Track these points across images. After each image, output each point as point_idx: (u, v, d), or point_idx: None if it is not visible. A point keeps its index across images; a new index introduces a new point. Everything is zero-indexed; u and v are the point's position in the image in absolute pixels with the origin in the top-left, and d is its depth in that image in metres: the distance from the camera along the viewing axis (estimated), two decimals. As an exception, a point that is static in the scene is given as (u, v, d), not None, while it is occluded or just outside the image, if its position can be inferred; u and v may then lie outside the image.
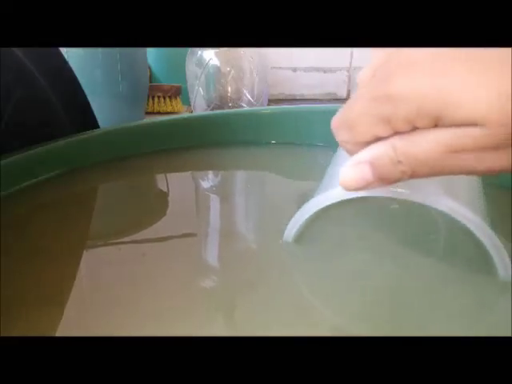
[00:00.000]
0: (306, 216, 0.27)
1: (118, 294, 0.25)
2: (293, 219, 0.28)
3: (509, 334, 0.21)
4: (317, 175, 0.29)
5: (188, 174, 0.45)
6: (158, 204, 0.38)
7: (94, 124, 0.54)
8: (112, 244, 0.31)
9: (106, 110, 0.82)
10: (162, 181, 0.44)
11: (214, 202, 0.38)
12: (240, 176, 0.46)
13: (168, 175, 0.44)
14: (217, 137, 0.49)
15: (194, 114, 1.01)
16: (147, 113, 1.20)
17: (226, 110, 0.55)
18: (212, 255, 0.30)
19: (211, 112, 0.95)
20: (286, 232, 0.28)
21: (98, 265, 0.28)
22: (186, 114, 1.02)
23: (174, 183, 0.43)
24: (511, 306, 0.22)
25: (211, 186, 0.42)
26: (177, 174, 0.45)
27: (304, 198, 0.27)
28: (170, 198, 0.39)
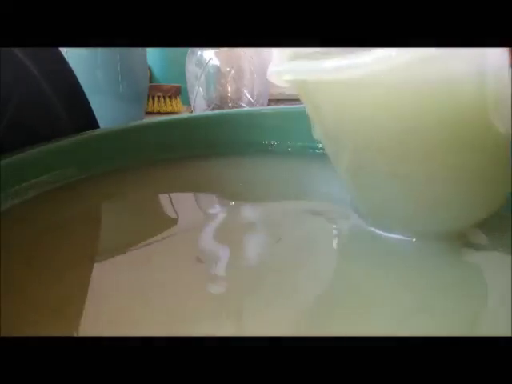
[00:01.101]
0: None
1: (123, 305, 0.24)
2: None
3: (509, 334, 0.21)
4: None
5: (192, 184, 0.44)
6: (161, 218, 0.37)
7: (94, 124, 0.54)
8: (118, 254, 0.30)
9: (106, 110, 0.82)
10: (163, 191, 0.43)
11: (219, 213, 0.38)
12: (242, 187, 0.45)
13: (171, 187, 0.43)
14: (217, 137, 0.49)
15: (194, 113, 1.01)
16: (147, 113, 1.20)
17: (226, 110, 0.55)
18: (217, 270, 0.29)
19: (211, 112, 0.94)
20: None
21: (103, 275, 0.28)
22: (186, 114, 1.02)
23: (177, 194, 0.42)
24: (511, 306, 0.22)
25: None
26: (179, 184, 0.44)
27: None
28: (172, 209, 0.39)
